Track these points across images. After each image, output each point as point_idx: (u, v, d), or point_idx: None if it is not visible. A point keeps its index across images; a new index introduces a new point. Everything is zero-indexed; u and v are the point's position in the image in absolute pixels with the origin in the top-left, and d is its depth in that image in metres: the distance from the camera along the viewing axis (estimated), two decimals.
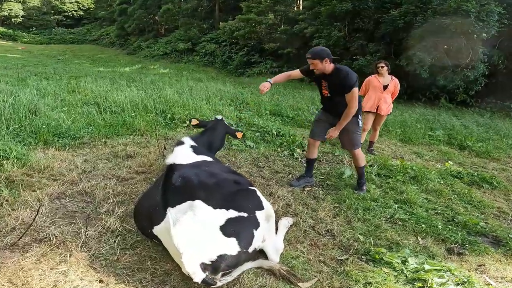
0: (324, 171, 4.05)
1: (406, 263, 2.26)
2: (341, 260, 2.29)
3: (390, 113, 5.25)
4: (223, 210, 1.94)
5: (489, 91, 10.92)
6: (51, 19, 41.16)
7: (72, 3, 42.12)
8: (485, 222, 3.12)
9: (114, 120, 4.77)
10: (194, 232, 1.79)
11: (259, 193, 2.21)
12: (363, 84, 5.00)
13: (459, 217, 3.14)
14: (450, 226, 2.95)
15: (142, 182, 3.04)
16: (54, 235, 2.18)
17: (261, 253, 2.13)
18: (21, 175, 2.87)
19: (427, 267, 2.21)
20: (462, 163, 5.37)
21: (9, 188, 2.65)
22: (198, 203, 1.93)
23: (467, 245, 2.65)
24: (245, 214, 1.96)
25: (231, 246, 1.82)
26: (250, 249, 1.94)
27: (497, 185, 4.24)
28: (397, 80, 4.98)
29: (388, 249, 2.46)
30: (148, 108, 5.48)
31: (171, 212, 1.91)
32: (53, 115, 4.49)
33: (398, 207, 3.19)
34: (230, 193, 2.11)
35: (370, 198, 3.29)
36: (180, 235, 1.75)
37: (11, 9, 38.32)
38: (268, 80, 3.22)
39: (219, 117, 3.60)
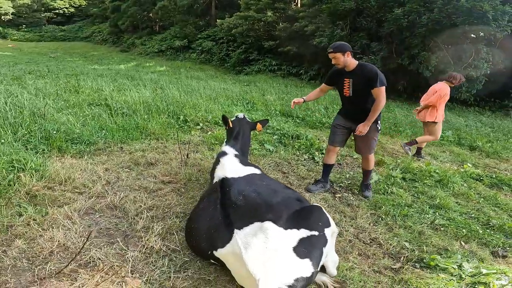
0: (348, 175, 3.95)
1: (462, 268, 2.26)
2: (395, 268, 2.25)
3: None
4: (295, 230, 1.86)
5: (487, 90, 10.95)
6: (42, 17, 40.08)
7: (63, 0, 41.11)
8: None
9: (126, 123, 4.54)
10: (268, 256, 1.69)
11: (324, 210, 2.14)
12: (438, 92, 4.65)
13: (493, 220, 3.14)
14: (487, 230, 2.95)
15: (172, 194, 2.88)
16: (99, 258, 1.99)
17: None
18: (42, 188, 2.65)
19: (484, 270, 2.22)
20: (476, 164, 5.32)
21: (32, 204, 2.44)
22: (269, 224, 1.84)
23: (508, 248, 2.67)
24: (316, 233, 1.89)
25: (305, 268, 1.73)
26: (319, 268, 1.87)
27: None
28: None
29: (438, 255, 2.42)
30: (160, 109, 5.26)
31: (239, 235, 1.82)
32: (61, 118, 4.23)
33: (434, 212, 3.15)
34: (296, 211, 2.03)
35: (404, 203, 3.22)
36: (254, 260, 1.66)
37: (1, 7, 37.20)
38: (303, 97, 3.34)
39: (241, 115, 3.25)
